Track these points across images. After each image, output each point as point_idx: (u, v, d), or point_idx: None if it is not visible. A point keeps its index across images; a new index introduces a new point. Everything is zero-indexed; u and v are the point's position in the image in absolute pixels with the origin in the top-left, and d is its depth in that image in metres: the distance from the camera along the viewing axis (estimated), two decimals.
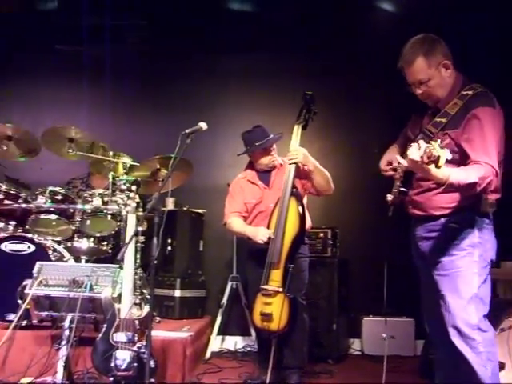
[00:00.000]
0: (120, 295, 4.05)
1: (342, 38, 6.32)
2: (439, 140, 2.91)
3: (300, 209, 4.34)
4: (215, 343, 5.89)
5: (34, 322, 4.35)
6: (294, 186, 4.38)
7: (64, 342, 4.06)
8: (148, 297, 4.77)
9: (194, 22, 6.48)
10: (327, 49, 6.39)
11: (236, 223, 4.60)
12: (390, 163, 3.53)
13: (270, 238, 4.29)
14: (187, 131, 3.92)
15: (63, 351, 4.05)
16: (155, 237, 3.70)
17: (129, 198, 4.24)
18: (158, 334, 4.50)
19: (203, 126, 4.03)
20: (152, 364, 3.75)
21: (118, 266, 4.24)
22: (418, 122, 3.48)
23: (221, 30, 6.45)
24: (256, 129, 4.67)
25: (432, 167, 2.85)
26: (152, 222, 3.84)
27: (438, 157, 2.78)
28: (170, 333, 4.67)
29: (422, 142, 2.85)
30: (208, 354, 5.61)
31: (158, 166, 5.22)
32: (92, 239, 5.28)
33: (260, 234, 4.35)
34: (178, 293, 5.74)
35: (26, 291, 4.17)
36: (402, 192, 3.36)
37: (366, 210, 6.10)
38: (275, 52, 6.45)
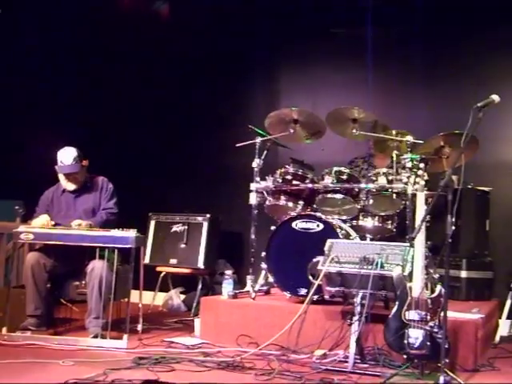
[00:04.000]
0: (410, 273, 4.05)
1: None
2: None
3: None
4: (504, 327, 5.60)
5: (326, 297, 4.50)
6: None
7: (356, 318, 4.15)
8: (434, 276, 4.70)
9: None
10: None
11: None
12: None
13: None
14: (479, 105, 3.77)
15: (355, 327, 4.15)
16: (449, 215, 3.63)
17: (417, 175, 4.17)
18: (448, 314, 4.38)
19: (496, 98, 3.84)
20: (446, 344, 3.69)
21: (407, 244, 4.23)
22: None
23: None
24: None
25: None
26: (438, 200, 3.78)
27: None
28: (459, 314, 4.54)
29: None
30: (497, 338, 5.36)
31: (442, 143, 5.06)
32: (377, 218, 5.30)
33: None
34: (464, 273, 5.60)
35: (319, 267, 4.34)
36: None
37: None
38: None
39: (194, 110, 7.38)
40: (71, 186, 5.31)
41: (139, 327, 5.01)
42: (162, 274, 6.81)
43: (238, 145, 5.50)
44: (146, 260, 6.53)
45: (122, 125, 7.55)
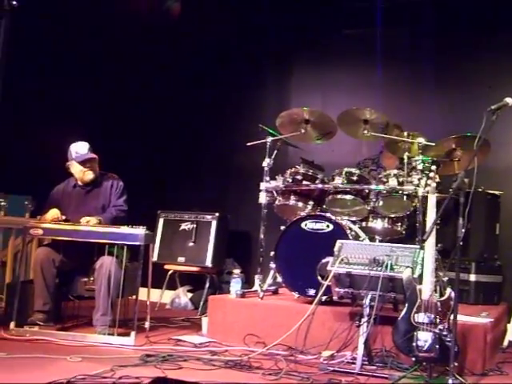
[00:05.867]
0: (420, 276, 4.03)
1: None
2: None
3: None
4: None
5: (334, 298, 4.48)
6: None
7: (364, 320, 4.14)
8: (444, 279, 4.69)
9: None
10: None
11: None
12: None
13: None
14: (492, 107, 3.76)
15: (363, 328, 4.14)
16: (461, 217, 3.61)
17: (428, 178, 4.15)
18: (457, 317, 4.37)
19: (509, 101, 3.83)
20: (455, 348, 3.68)
21: (417, 246, 4.21)
22: None
23: None
24: None
25: None
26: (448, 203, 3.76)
27: None
28: (468, 317, 4.52)
29: None
30: (505, 343, 5.32)
31: (454, 146, 5.04)
32: (386, 219, 5.29)
33: None
34: (473, 277, 5.58)
35: (328, 268, 4.32)
36: None
37: None
38: None
39: (205, 109, 7.38)
40: (89, 175, 5.30)
41: (147, 324, 5.03)
42: (169, 272, 6.80)
43: (248, 144, 5.49)
44: (154, 258, 6.50)
45: (131, 123, 7.57)
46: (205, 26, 7.28)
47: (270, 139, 5.44)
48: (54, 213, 5.12)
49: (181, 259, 6.59)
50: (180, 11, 7.55)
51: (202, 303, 6.35)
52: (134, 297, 4.92)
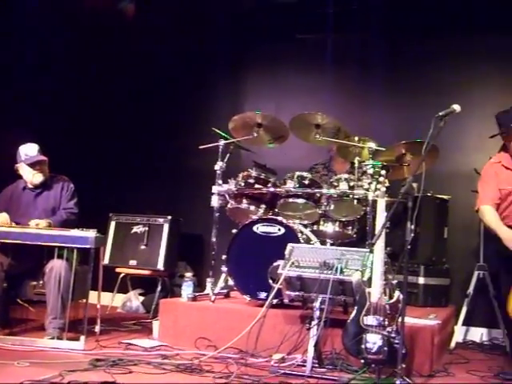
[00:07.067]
0: (369, 279, 4.08)
1: None
2: None
3: None
4: (460, 334, 5.70)
5: (285, 301, 4.51)
6: None
7: (315, 322, 4.18)
8: (393, 282, 4.75)
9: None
10: None
11: (490, 215, 4.42)
12: None
13: None
14: (440, 114, 3.84)
15: (314, 331, 4.18)
16: (409, 221, 3.68)
17: (378, 182, 4.21)
18: (405, 320, 4.43)
19: (457, 108, 3.92)
20: (403, 350, 3.74)
21: (367, 250, 4.27)
22: None
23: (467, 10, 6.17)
24: None
25: None
26: (398, 207, 3.83)
27: None
28: (417, 320, 4.60)
29: None
30: (453, 344, 5.44)
31: (404, 151, 5.12)
32: (337, 223, 5.34)
33: None
34: (421, 280, 5.69)
35: (279, 271, 4.34)
36: None
37: None
38: None
39: (158, 111, 7.36)
40: (39, 178, 5.23)
41: (97, 328, 4.96)
42: (121, 275, 6.76)
43: (201, 147, 5.48)
44: (106, 261, 6.43)
45: (82, 124, 7.49)
46: (159, 26, 7.25)
47: (222, 142, 5.45)
48: (2, 218, 5.02)
49: (132, 262, 6.53)
50: (134, 12, 7.49)
51: (153, 307, 6.31)
52: (84, 300, 4.87)
